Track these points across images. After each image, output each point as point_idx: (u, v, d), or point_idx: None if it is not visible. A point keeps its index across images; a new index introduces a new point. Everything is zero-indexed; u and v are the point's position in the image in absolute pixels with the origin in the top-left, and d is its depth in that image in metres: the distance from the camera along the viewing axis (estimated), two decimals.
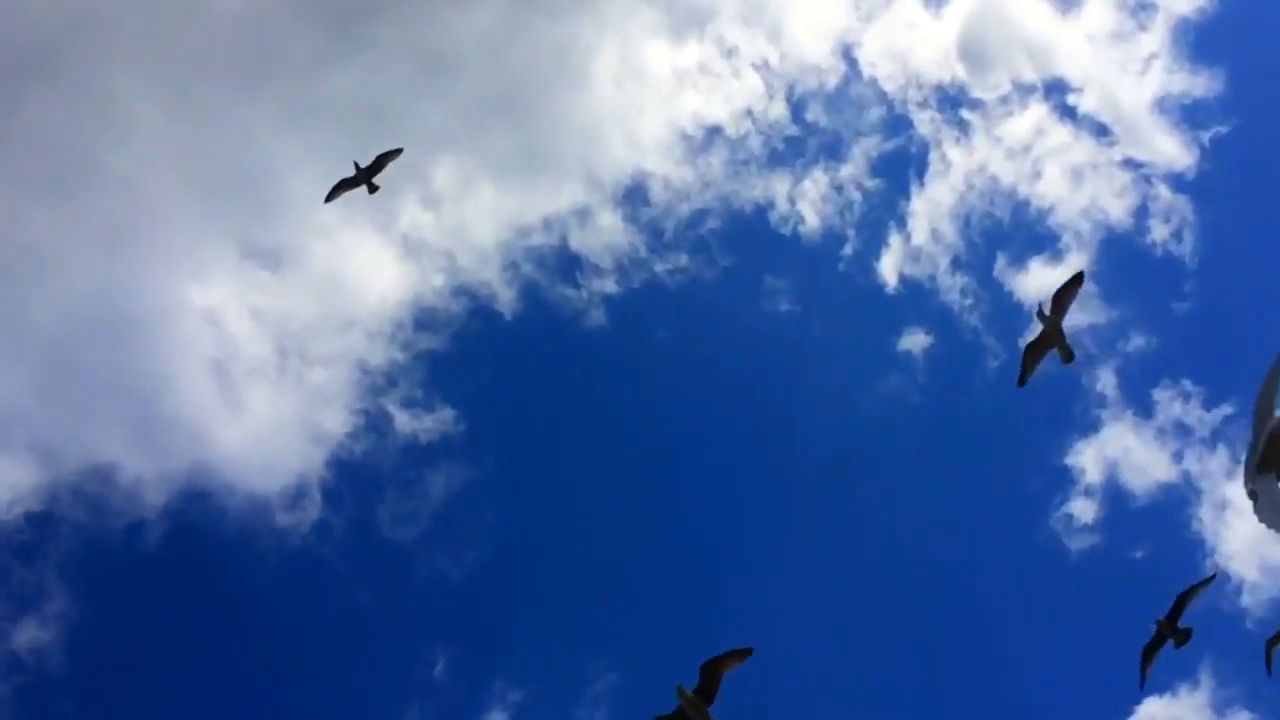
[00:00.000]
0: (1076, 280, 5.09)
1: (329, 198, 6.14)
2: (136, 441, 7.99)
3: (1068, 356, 5.21)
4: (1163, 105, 9.20)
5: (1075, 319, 8.74)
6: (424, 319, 8.60)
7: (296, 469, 8.04)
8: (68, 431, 7.87)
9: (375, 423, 8.31)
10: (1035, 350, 5.20)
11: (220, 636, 7.77)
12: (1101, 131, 9.27)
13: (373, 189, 6.11)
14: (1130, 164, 9.15)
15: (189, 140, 8.77)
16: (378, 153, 6.13)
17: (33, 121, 8.56)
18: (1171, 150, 9.09)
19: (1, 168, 8.46)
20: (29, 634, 7.34)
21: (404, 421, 8.29)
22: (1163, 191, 9.02)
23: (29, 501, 7.54)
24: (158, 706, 7.52)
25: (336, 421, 8.27)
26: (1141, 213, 9.05)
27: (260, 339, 8.68)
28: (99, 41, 8.67)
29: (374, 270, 8.90)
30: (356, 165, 6.05)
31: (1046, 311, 5.07)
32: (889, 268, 9.00)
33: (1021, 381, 5.22)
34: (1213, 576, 5.04)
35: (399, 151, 6.14)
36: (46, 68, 8.60)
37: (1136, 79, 9.27)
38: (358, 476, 8.20)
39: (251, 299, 8.69)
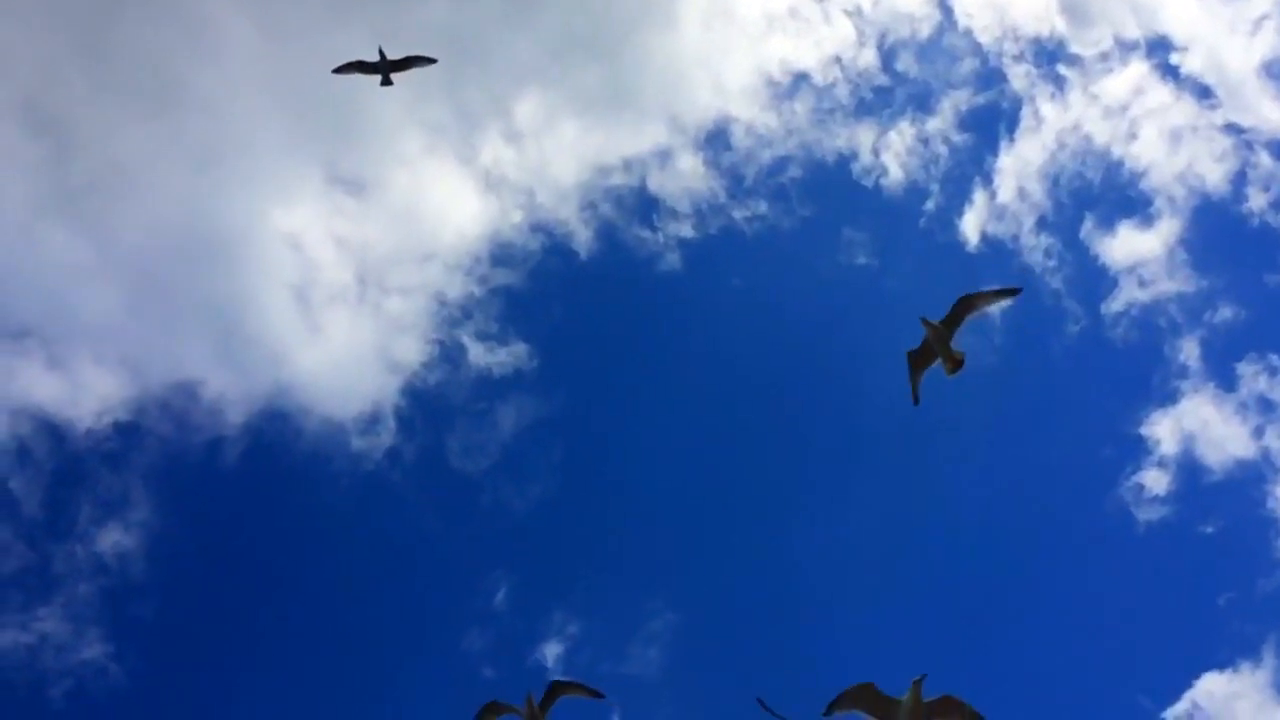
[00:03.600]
0: (981, 298, 4.70)
1: (338, 70, 6.01)
2: (219, 360, 8.22)
3: (951, 368, 4.68)
4: (1271, 69, 8.84)
5: (1161, 287, 8.59)
6: (501, 254, 8.67)
7: (372, 396, 8.21)
8: (155, 346, 8.12)
9: (450, 354, 8.44)
10: (917, 359, 4.72)
11: (291, 553, 8.04)
12: (1204, 94, 8.95)
13: (387, 82, 5.99)
14: (1232, 129, 8.84)
15: (279, 63, 8.88)
16: (412, 54, 5.99)
17: (126, 40, 8.72)
18: (1277, 117, 8.75)
19: (95, 85, 8.64)
20: (113, 538, 7.65)
21: (478, 354, 8.41)
22: (1264, 159, 8.71)
23: (118, 412, 7.82)
24: (228, 612, 7.82)
25: (412, 351, 8.41)
26: (1239, 180, 8.76)
27: (341, 265, 8.84)
28: None
29: (454, 203, 8.98)
30: (382, 53, 5.88)
31: (933, 320, 4.59)
32: (971, 225, 8.84)
33: (915, 399, 4.77)
34: None
35: (432, 60, 6.02)
36: None
37: (1245, 40, 8.91)
38: (430, 406, 8.35)
39: (334, 225, 8.84)
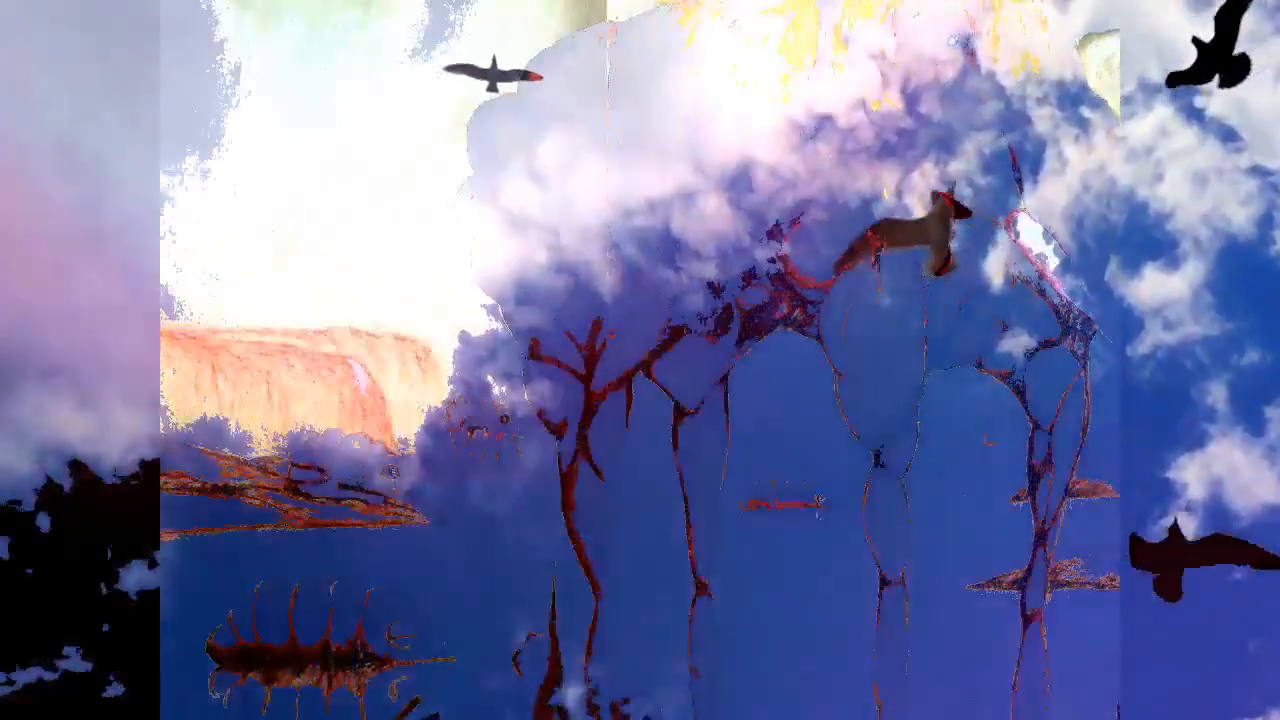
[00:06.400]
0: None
1: (451, 68, 6.06)
2: (244, 396, 8.29)
3: (939, 264, 4.38)
4: None
5: (1188, 330, 8.57)
6: (524, 295, 8.71)
7: (396, 434, 8.27)
8: (184, 383, 8.20)
9: (474, 394, 8.49)
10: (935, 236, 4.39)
11: (313, 592, 8.07)
12: (1229, 136, 8.93)
13: (493, 89, 6.06)
14: (1258, 171, 8.81)
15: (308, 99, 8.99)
16: (525, 69, 6.04)
17: (161, 79, 8.87)
18: None
19: (131, 125, 8.78)
20: (136, 575, 7.71)
21: (502, 394, 8.45)
22: None
23: (144, 449, 7.88)
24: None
25: (437, 390, 8.47)
26: (1266, 222, 8.72)
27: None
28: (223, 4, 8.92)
29: (478, 243, 9.04)
30: (495, 60, 5.93)
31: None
32: (995, 266, 8.84)
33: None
34: None
35: (538, 77, 6.10)
36: (176, 31, 8.89)
37: (1271, 83, 8.90)
38: (453, 445, 8.40)
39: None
